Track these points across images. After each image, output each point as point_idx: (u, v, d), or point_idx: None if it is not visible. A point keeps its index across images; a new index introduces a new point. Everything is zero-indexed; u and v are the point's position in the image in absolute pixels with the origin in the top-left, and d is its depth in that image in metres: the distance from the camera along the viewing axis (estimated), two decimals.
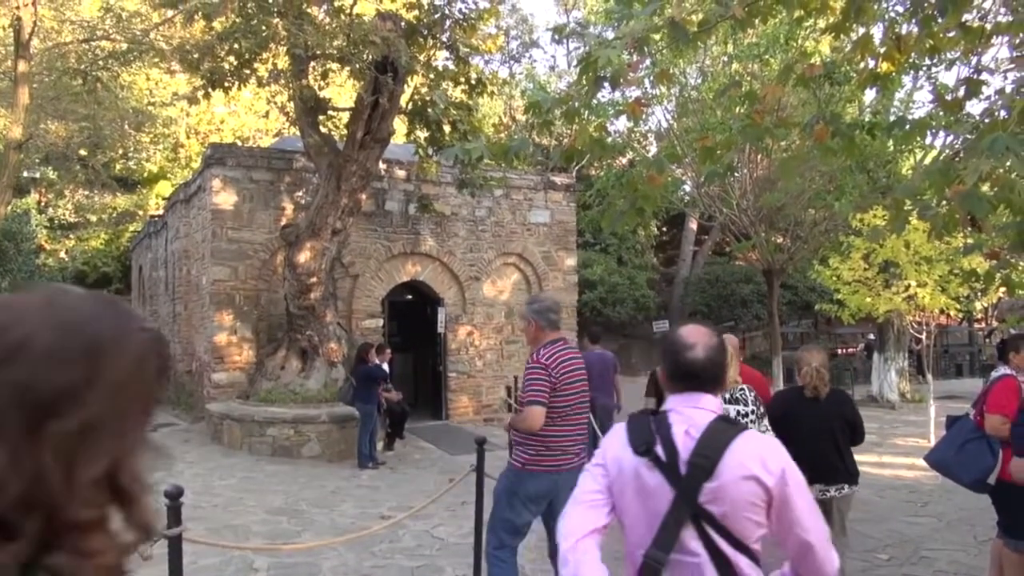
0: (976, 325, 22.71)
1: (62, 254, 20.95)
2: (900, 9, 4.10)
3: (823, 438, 4.22)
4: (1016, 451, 4.08)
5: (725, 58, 15.26)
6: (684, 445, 1.89)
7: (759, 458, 1.84)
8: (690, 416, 1.94)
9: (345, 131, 10.68)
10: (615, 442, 2.02)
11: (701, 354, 1.98)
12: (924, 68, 12.38)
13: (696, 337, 2.02)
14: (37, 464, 0.69)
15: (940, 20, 3.58)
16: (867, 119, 12.68)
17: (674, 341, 2.04)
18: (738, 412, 3.87)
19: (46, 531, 0.70)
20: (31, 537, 0.69)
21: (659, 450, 1.90)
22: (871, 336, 18.04)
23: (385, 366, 10.56)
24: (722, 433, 1.89)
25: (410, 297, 14.10)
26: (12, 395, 0.68)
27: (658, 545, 1.84)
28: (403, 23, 9.97)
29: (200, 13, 9.23)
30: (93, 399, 0.71)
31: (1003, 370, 4.52)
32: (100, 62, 12.92)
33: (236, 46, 9.48)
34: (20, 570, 0.67)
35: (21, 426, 0.68)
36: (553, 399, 3.90)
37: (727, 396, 3.84)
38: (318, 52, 9.71)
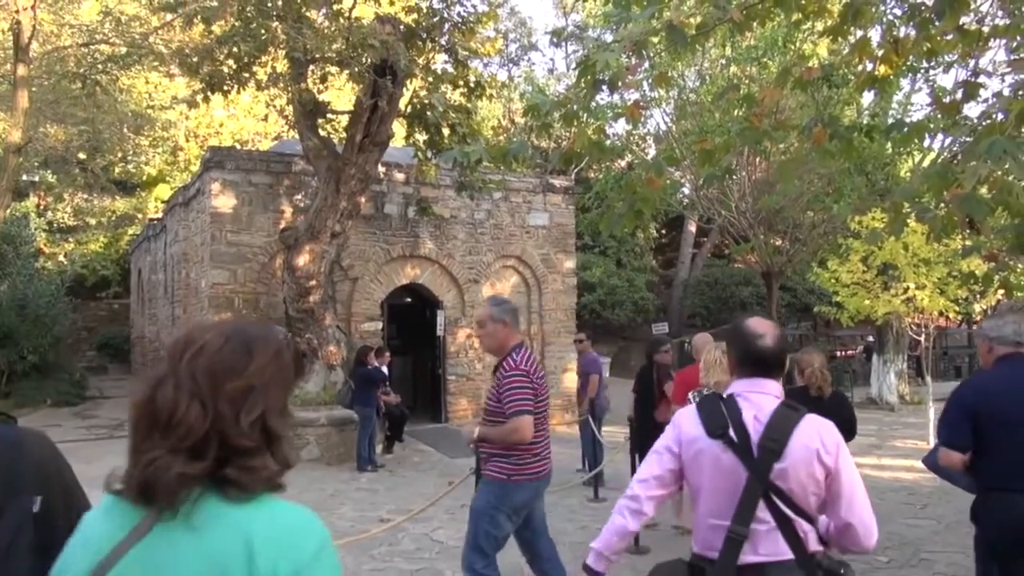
0: (975, 327, 22.69)
1: (61, 257, 20.94)
2: (898, 12, 4.12)
3: None
4: None
5: (723, 61, 15.30)
6: (754, 429, 2.15)
7: (819, 438, 2.13)
8: (757, 402, 2.21)
9: (344, 134, 10.67)
10: (689, 425, 2.26)
11: (771, 343, 2.25)
12: (922, 71, 12.40)
13: (765, 328, 2.28)
14: (217, 410, 1.15)
15: (938, 23, 3.62)
16: (865, 122, 12.70)
17: (745, 330, 2.29)
18: None
19: (221, 454, 1.14)
20: (212, 458, 1.14)
21: (732, 433, 2.16)
22: (870, 338, 18.02)
23: (384, 369, 10.56)
24: (787, 418, 2.16)
25: (409, 300, 14.07)
26: (202, 371, 1.17)
27: (738, 520, 2.10)
28: (402, 26, 9.97)
29: (199, 17, 9.24)
30: (249, 372, 1.20)
31: None
32: (99, 66, 12.91)
33: (235, 50, 9.46)
34: (206, 478, 1.14)
35: (208, 387, 1.16)
36: (536, 405, 3.79)
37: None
38: (317, 55, 9.69)
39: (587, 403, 9.03)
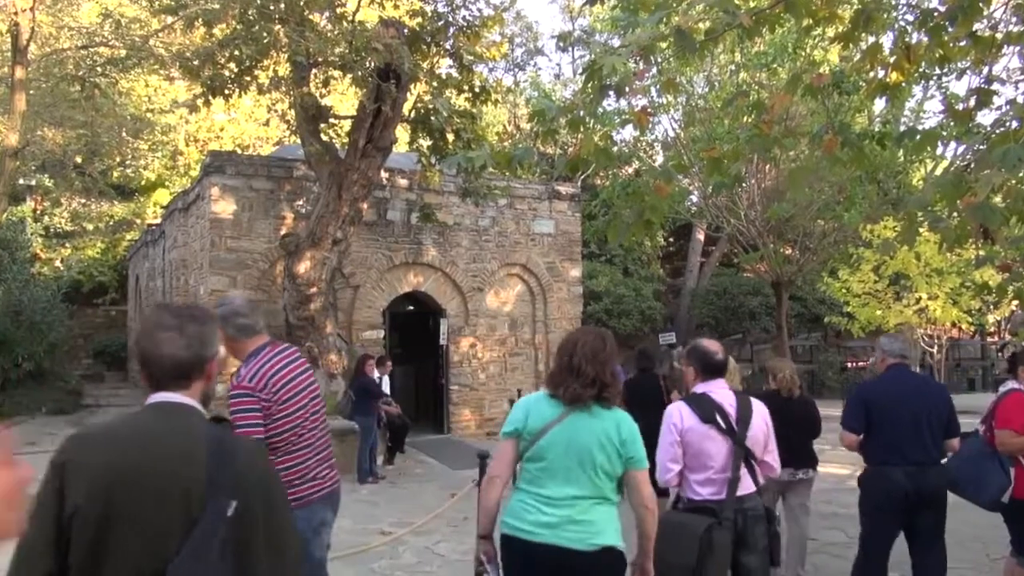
0: (989, 338, 22.50)
1: (58, 263, 20.78)
2: (910, 18, 4.08)
3: (798, 431, 5.12)
4: None
5: (732, 67, 15.15)
6: (731, 414, 3.39)
7: (763, 414, 3.50)
8: (722, 396, 3.45)
9: (347, 139, 10.57)
10: (683, 417, 3.39)
11: (721, 356, 3.57)
12: (934, 78, 12.25)
13: (716, 347, 3.61)
14: (597, 369, 2.79)
15: (950, 29, 3.54)
16: (877, 129, 12.53)
17: (704, 349, 3.57)
18: None
19: (601, 387, 2.80)
20: (597, 388, 2.80)
21: (719, 419, 3.36)
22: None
23: (386, 378, 10.41)
24: (746, 403, 3.47)
25: (412, 308, 13.94)
26: (589, 352, 2.82)
27: (734, 472, 3.33)
28: (406, 30, 9.87)
29: (200, 19, 9.14)
30: (607, 354, 2.86)
31: (1012, 384, 4.45)
32: (98, 69, 12.80)
33: (237, 53, 9.39)
34: (595, 396, 2.80)
35: (593, 359, 2.81)
36: (273, 425, 3.08)
37: None
38: (320, 59, 9.61)
39: None
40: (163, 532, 1.60)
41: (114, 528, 1.59)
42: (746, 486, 3.35)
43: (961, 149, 13.36)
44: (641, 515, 2.81)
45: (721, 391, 3.44)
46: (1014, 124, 3.48)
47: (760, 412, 3.44)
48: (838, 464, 8.86)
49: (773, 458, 3.48)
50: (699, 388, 3.47)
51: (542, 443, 2.67)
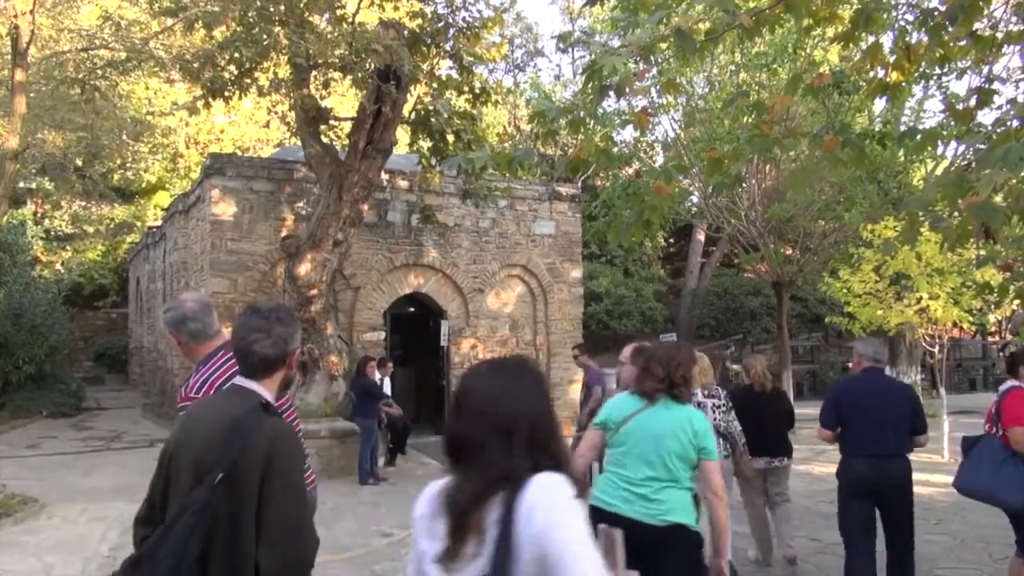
0: (990, 338, 22.47)
1: (58, 266, 20.81)
2: (910, 18, 4.06)
3: (772, 422, 5.61)
4: None
5: (733, 67, 15.14)
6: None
7: (722, 394, 4.80)
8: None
9: (347, 141, 10.56)
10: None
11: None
12: (934, 77, 12.22)
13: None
14: (669, 371, 3.30)
15: (950, 29, 3.54)
16: (877, 129, 12.52)
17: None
18: (714, 405, 4.86)
19: (672, 384, 3.32)
20: (668, 384, 3.35)
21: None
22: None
23: (387, 380, 10.39)
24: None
25: (412, 310, 13.93)
26: (663, 360, 3.35)
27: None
28: (406, 32, 9.86)
29: (200, 22, 9.11)
30: (688, 365, 3.43)
31: (1011, 382, 4.47)
32: (98, 71, 12.79)
33: (237, 55, 9.38)
34: (667, 391, 3.35)
35: (668, 367, 3.30)
36: None
37: (706, 392, 4.86)
38: (320, 61, 9.60)
39: (586, 415, 8.89)
40: (187, 490, 2.00)
41: (170, 482, 2.10)
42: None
43: (962, 149, 13.35)
44: (710, 501, 3.20)
45: None
46: (1015, 123, 3.47)
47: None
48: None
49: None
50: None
51: (623, 431, 3.23)
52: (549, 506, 1.45)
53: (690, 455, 3.13)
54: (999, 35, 3.93)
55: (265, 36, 9.06)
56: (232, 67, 9.75)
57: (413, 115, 10.74)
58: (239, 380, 2.20)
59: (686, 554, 3.08)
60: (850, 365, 5.31)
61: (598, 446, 3.41)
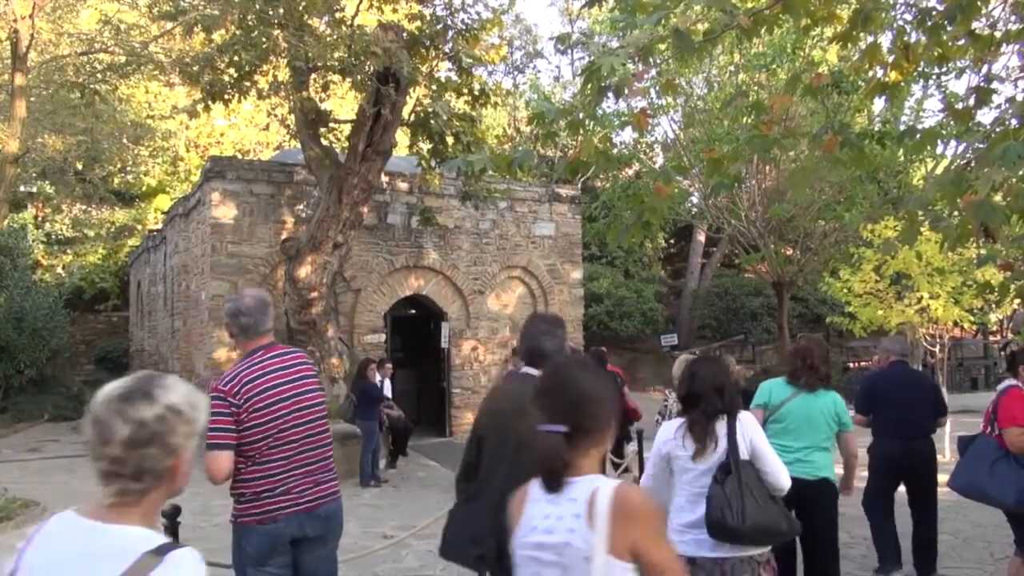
0: (991, 338, 22.44)
1: (59, 269, 20.79)
2: (908, 17, 4.06)
3: None
4: None
5: (732, 68, 15.15)
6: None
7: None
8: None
9: (346, 143, 10.55)
10: None
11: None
12: (933, 77, 12.25)
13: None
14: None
15: (949, 28, 3.53)
16: (877, 129, 12.52)
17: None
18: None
19: (815, 374, 4.44)
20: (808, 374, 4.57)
21: None
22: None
23: (387, 381, 10.39)
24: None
25: (413, 312, 13.92)
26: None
27: None
28: (405, 34, 9.86)
29: (200, 25, 9.12)
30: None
31: (1010, 381, 4.49)
32: (98, 75, 12.79)
33: (236, 58, 9.38)
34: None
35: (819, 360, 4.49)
36: (245, 432, 2.99)
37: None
38: (319, 64, 9.59)
39: None
40: (498, 451, 2.77)
41: (483, 443, 2.89)
42: None
43: (961, 148, 13.34)
44: (847, 461, 4.48)
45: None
46: (1014, 122, 3.47)
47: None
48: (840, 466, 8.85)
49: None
50: None
51: (781, 412, 4.29)
52: (750, 425, 3.11)
53: (832, 427, 4.29)
54: (998, 34, 3.92)
55: (264, 39, 9.06)
56: (232, 70, 9.75)
57: (413, 117, 10.73)
58: (527, 368, 2.97)
59: (830, 499, 4.31)
60: (864, 363, 5.86)
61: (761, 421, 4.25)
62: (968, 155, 12.66)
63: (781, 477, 3.09)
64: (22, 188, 18.46)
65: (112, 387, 1.47)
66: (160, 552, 1.38)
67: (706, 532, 2.94)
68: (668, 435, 3.15)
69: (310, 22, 9.42)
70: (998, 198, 3.27)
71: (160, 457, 1.43)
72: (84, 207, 20.88)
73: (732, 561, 2.97)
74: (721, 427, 3.01)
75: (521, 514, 1.83)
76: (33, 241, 18.70)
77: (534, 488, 1.83)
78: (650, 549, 1.69)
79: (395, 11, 10.44)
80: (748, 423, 3.09)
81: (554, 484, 1.77)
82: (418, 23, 10.19)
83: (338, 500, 3.24)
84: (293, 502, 3.06)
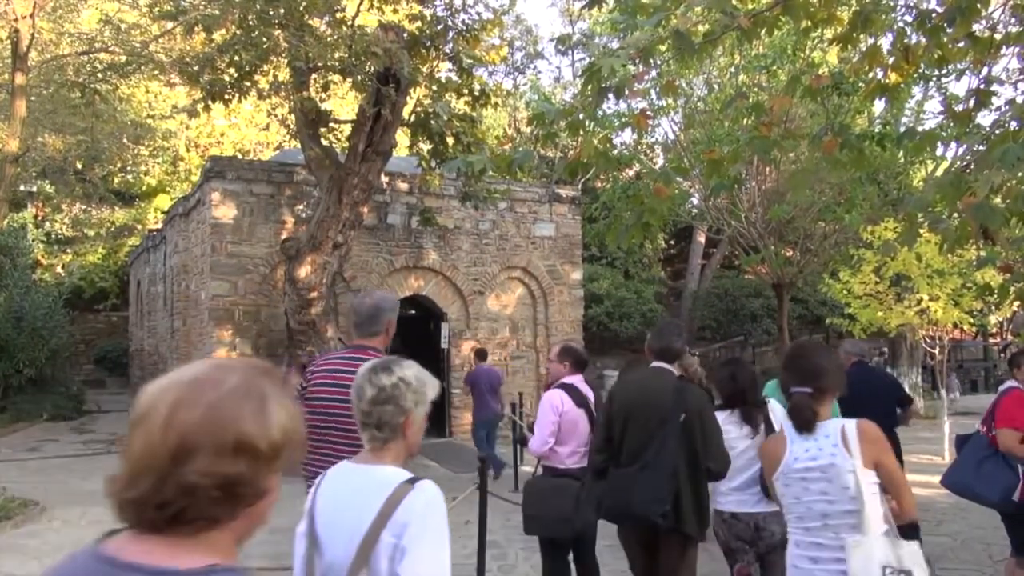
0: (991, 339, 22.45)
1: (59, 269, 20.79)
2: (908, 19, 4.06)
3: None
4: None
5: (732, 69, 15.14)
6: (591, 400, 4.40)
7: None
8: (585, 387, 4.43)
9: (347, 143, 10.55)
10: (565, 401, 4.31)
11: (585, 355, 4.68)
12: (933, 79, 12.23)
13: (582, 348, 4.83)
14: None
15: (949, 30, 3.54)
16: (877, 130, 12.52)
17: (579, 350, 4.63)
18: None
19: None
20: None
21: (588, 404, 4.43)
22: (883, 351, 17.74)
23: None
24: (599, 393, 4.66)
25: (413, 312, 13.90)
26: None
27: (595, 444, 4.13)
28: (405, 34, 9.85)
29: (200, 25, 9.10)
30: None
31: (1011, 383, 4.51)
32: (99, 74, 12.76)
33: (236, 58, 9.36)
34: None
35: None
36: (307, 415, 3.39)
37: None
38: (319, 64, 9.58)
39: None
40: (648, 428, 3.59)
41: (627, 424, 3.66)
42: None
43: (961, 150, 13.34)
44: None
45: (583, 384, 4.45)
46: (1013, 124, 3.48)
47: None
48: None
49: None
50: (569, 379, 4.43)
51: None
52: (779, 411, 3.53)
53: None
54: (997, 36, 3.93)
55: (265, 39, 9.05)
56: (232, 70, 9.73)
57: (413, 117, 10.72)
58: (660, 363, 3.81)
59: None
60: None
61: None
62: (968, 157, 12.66)
63: None
64: (22, 187, 18.46)
65: (367, 364, 2.08)
66: (411, 482, 1.91)
67: (745, 494, 3.77)
68: (721, 420, 3.78)
69: (310, 22, 9.41)
70: (997, 200, 3.29)
71: (395, 414, 1.99)
72: (84, 207, 20.88)
73: (764, 515, 3.73)
74: (760, 414, 3.81)
75: (784, 452, 2.62)
76: (33, 240, 18.69)
77: (790, 433, 2.64)
78: (884, 460, 2.54)
79: (395, 11, 10.43)
80: (777, 410, 3.65)
81: (809, 427, 2.58)
82: (418, 23, 10.18)
83: None
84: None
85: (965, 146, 11.50)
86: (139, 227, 21.30)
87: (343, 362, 3.41)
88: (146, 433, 0.97)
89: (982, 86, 4.06)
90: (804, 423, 2.59)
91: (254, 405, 1.01)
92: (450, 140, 10.60)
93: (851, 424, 2.56)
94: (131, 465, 0.97)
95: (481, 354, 10.96)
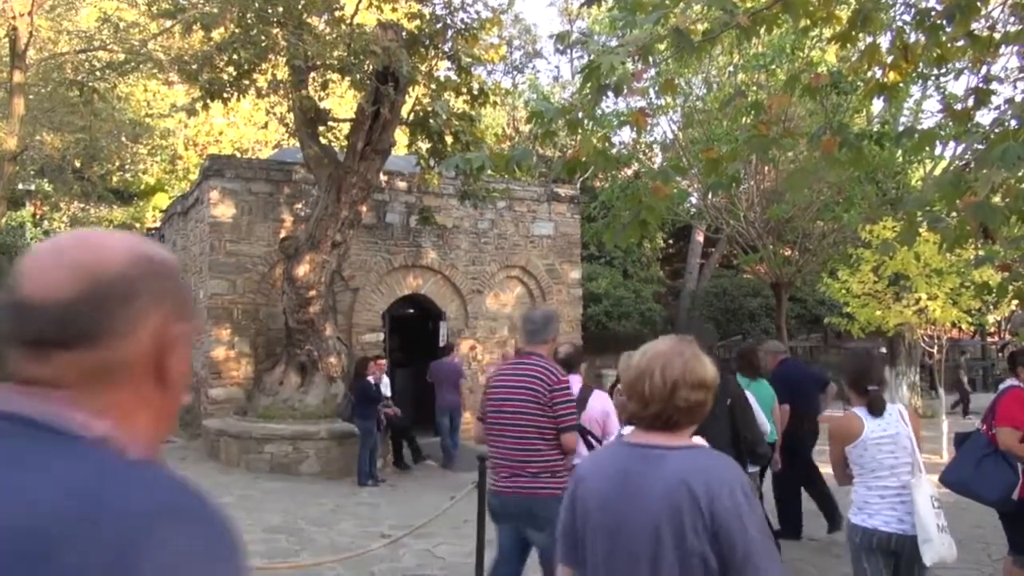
0: (989, 339, 22.45)
1: None
2: (907, 18, 4.08)
3: None
4: None
5: (731, 68, 15.15)
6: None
7: (602, 398, 4.49)
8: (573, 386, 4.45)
9: (345, 142, 10.55)
10: None
11: (573, 354, 4.84)
12: (932, 78, 12.24)
13: (574, 348, 4.99)
14: None
15: (948, 29, 3.55)
16: (875, 129, 12.53)
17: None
18: None
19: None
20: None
21: None
22: (882, 350, 17.73)
23: (385, 379, 10.35)
24: (587, 390, 4.48)
25: (412, 311, 13.90)
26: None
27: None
28: (404, 33, 9.86)
29: (198, 23, 9.12)
30: None
31: (1011, 382, 4.52)
32: (97, 73, 12.76)
33: (235, 57, 9.37)
34: None
35: None
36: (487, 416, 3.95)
37: None
38: (318, 62, 9.60)
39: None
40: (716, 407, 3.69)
41: None
42: (580, 453, 4.17)
43: (960, 149, 13.36)
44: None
45: (576, 385, 4.58)
46: (1013, 123, 3.49)
47: (599, 398, 4.51)
48: None
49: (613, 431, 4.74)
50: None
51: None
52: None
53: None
54: (997, 35, 3.94)
55: (263, 37, 9.06)
56: (230, 69, 9.75)
57: (411, 116, 10.73)
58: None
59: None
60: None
61: None
62: (967, 156, 12.68)
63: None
64: (20, 186, 18.41)
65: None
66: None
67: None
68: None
69: (309, 21, 9.43)
70: (997, 199, 3.30)
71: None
72: (82, 205, 20.83)
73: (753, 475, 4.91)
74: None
75: (863, 428, 3.48)
76: (31, 239, 18.65)
77: (864, 415, 3.52)
78: (919, 430, 3.58)
79: (394, 10, 10.44)
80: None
81: (882, 412, 3.50)
82: (417, 22, 10.19)
83: (532, 496, 3.72)
84: (494, 483, 3.90)
85: (964, 145, 11.51)
86: (137, 226, 21.25)
87: (521, 367, 3.89)
88: (651, 381, 1.80)
89: (981, 85, 4.07)
90: (880, 410, 3.55)
91: (700, 361, 1.84)
92: (449, 139, 10.60)
93: (902, 407, 3.67)
94: (646, 397, 1.81)
95: (446, 349, 11.43)
